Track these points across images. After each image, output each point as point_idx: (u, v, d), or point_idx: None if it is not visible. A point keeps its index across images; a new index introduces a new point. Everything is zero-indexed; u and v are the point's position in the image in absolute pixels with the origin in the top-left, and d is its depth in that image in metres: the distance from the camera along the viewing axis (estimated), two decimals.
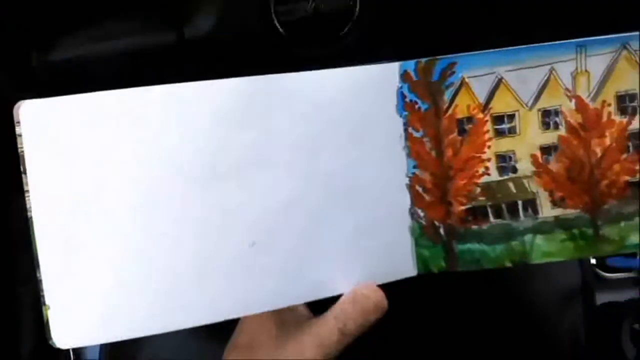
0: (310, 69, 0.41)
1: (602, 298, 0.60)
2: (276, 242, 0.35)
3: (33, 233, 0.32)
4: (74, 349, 0.65)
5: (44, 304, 0.32)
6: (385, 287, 0.37)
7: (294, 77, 0.35)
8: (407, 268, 0.37)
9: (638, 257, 0.43)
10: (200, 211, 0.33)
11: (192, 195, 0.33)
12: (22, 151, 0.32)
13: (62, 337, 0.33)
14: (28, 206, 0.32)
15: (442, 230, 0.37)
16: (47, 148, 0.32)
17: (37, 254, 0.32)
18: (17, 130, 0.32)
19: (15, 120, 0.32)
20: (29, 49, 0.39)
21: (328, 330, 0.35)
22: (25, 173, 0.32)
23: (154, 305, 0.33)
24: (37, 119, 0.32)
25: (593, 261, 0.78)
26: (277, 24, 0.38)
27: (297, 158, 0.35)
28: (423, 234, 0.37)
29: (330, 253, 0.36)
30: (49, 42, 0.40)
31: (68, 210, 0.32)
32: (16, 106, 0.32)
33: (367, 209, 0.36)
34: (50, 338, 0.33)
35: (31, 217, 0.32)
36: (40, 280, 0.32)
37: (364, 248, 0.37)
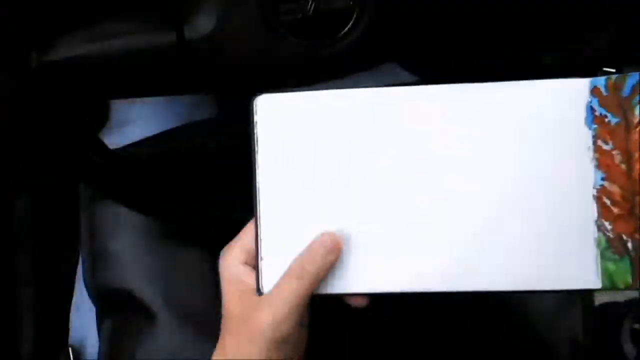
0: (311, 69, 0.41)
1: (602, 298, 0.60)
2: (463, 236, 0.38)
3: (257, 203, 0.39)
4: (73, 349, 0.65)
5: (261, 258, 0.39)
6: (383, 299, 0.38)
7: (488, 88, 0.38)
8: (590, 279, 0.37)
9: None
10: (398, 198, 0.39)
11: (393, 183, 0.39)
12: (256, 137, 0.39)
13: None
14: (256, 183, 0.39)
15: (630, 245, 0.37)
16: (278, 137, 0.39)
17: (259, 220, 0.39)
18: (255, 119, 0.39)
19: (253, 111, 0.39)
20: (29, 49, 0.39)
21: (287, 279, 0.38)
22: (256, 154, 0.39)
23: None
24: (272, 111, 0.39)
25: None
26: (278, 24, 0.38)
27: (486, 164, 0.38)
28: (609, 247, 0.37)
29: (513, 253, 0.38)
30: (49, 42, 0.40)
31: (289, 184, 0.39)
32: (255, 99, 0.39)
33: (553, 216, 0.37)
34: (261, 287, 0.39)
35: (257, 189, 0.39)
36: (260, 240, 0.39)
37: (547, 254, 0.37)
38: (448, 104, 0.38)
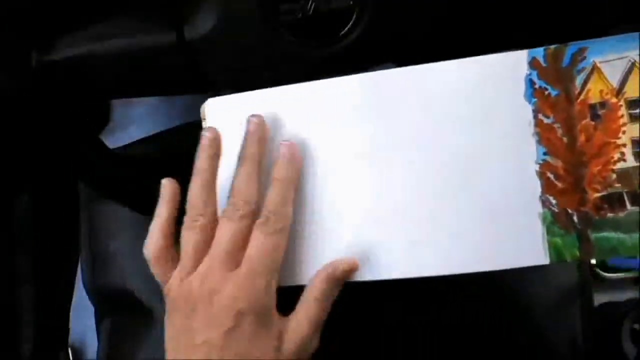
0: (311, 69, 0.41)
1: (601, 298, 0.60)
2: (407, 219, 0.38)
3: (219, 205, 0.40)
4: (73, 349, 0.65)
5: None
6: (383, 290, 0.38)
7: (421, 70, 0.37)
8: (538, 255, 0.37)
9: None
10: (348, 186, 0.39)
11: (345, 173, 0.39)
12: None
13: None
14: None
15: (575, 218, 0.36)
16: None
17: None
18: (203, 124, 0.40)
19: (203, 114, 0.40)
20: (29, 49, 0.39)
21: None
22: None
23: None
24: (221, 113, 0.40)
25: (593, 261, 0.78)
26: (278, 24, 0.38)
27: (426, 145, 0.37)
28: (555, 222, 0.37)
29: (458, 235, 0.37)
30: (49, 42, 0.40)
31: None
32: (204, 104, 0.40)
33: (496, 194, 0.37)
34: None
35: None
36: None
37: (492, 232, 0.37)
38: (389, 89, 0.38)
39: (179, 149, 0.55)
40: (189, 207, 0.39)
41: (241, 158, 0.39)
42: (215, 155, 0.40)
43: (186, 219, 0.39)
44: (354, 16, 0.39)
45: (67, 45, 0.40)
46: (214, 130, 0.40)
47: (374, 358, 0.51)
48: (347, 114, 0.39)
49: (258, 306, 0.38)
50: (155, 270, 0.40)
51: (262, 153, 0.39)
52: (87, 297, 0.60)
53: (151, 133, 0.59)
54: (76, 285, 0.68)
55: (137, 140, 0.58)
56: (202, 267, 0.38)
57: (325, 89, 0.39)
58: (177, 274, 0.39)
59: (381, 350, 0.51)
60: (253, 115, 0.39)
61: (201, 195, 0.39)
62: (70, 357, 0.65)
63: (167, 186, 0.40)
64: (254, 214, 0.38)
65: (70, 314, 0.68)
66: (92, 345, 0.66)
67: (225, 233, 0.38)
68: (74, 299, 0.68)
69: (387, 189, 0.38)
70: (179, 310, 0.38)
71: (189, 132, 0.42)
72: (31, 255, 0.73)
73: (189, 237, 0.39)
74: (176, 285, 0.39)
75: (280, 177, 0.39)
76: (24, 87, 0.40)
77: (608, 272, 0.81)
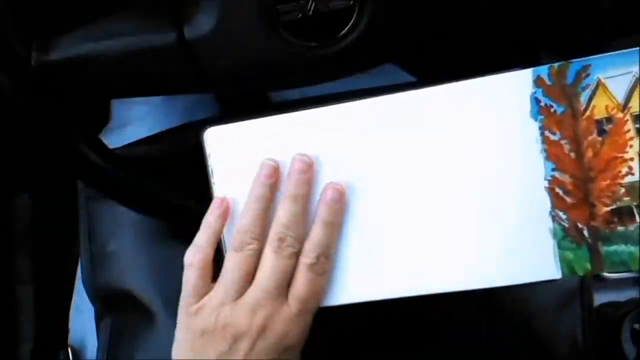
0: (311, 69, 0.41)
1: (601, 298, 0.60)
2: (422, 239, 0.39)
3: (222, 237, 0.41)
4: (73, 349, 0.65)
5: None
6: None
7: (427, 93, 0.37)
8: (550, 270, 0.37)
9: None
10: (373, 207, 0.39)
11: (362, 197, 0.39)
12: (211, 169, 0.40)
13: None
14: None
15: (585, 232, 0.37)
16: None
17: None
18: (207, 151, 0.40)
19: (205, 143, 0.40)
20: (29, 49, 0.39)
21: None
22: (213, 185, 0.41)
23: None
24: (222, 142, 0.40)
25: None
26: (278, 24, 0.38)
27: (436, 166, 0.38)
28: (566, 236, 0.37)
29: (473, 253, 0.38)
30: (49, 42, 0.40)
31: None
32: (204, 132, 0.40)
33: (507, 211, 0.38)
34: None
35: None
36: None
37: (506, 249, 0.38)
38: (400, 112, 0.38)
39: (179, 149, 0.55)
40: (242, 229, 0.39)
41: (290, 196, 0.39)
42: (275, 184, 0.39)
43: (237, 240, 0.39)
44: (354, 16, 0.39)
45: (67, 45, 0.40)
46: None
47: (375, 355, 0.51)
48: (353, 140, 0.39)
49: (300, 343, 0.39)
50: (196, 280, 0.39)
51: (310, 194, 0.39)
52: (87, 297, 0.60)
53: (151, 133, 0.59)
54: (76, 285, 0.68)
55: (137, 141, 0.58)
56: (249, 299, 0.38)
57: (328, 116, 0.39)
58: (219, 295, 0.38)
59: (382, 345, 0.51)
60: (301, 154, 0.39)
61: (260, 221, 0.39)
62: (71, 357, 0.65)
63: (222, 201, 0.40)
64: (300, 252, 0.38)
65: (70, 314, 0.68)
66: (92, 345, 0.66)
67: (274, 266, 0.38)
68: (74, 299, 0.68)
69: (403, 208, 0.39)
70: (214, 335, 0.38)
71: (189, 132, 0.42)
72: (31, 255, 0.73)
73: (239, 261, 0.38)
74: (216, 306, 0.38)
75: (329, 221, 0.38)
76: (24, 87, 0.40)
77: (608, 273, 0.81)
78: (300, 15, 0.38)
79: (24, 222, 0.73)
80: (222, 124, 0.40)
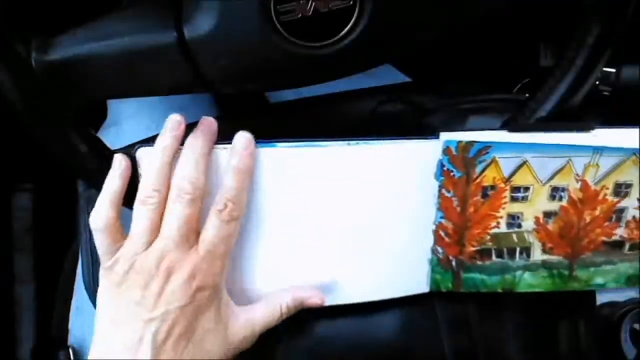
0: (311, 69, 0.41)
1: (602, 298, 0.60)
2: (336, 254, 0.46)
3: None
4: (73, 349, 0.65)
5: None
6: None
7: (356, 150, 0.43)
8: (422, 286, 0.49)
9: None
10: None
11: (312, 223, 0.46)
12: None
13: None
14: None
15: (453, 262, 0.48)
16: None
17: None
18: (139, 171, 0.42)
19: (137, 163, 0.42)
20: (29, 49, 0.39)
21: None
22: None
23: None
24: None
25: None
26: (277, 24, 0.38)
27: (355, 207, 0.45)
28: (439, 264, 0.48)
29: (369, 274, 0.47)
30: (49, 42, 0.40)
31: None
32: (135, 151, 0.42)
33: (400, 243, 0.47)
34: None
35: None
36: None
37: (392, 272, 0.48)
38: (336, 163, 0.44)
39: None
40: (145, 183, 0.41)
41: (189, 147, 0.41)
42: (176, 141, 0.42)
43: (141, 194, 0.41)
44: (354, 16, 0.39)
45: (67, 45, 0.40)
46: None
47: None
48: (288, 181, 0.44)
49: (213, 286, 0.41)
50: (104, 240, 0.41)
51: (210, 148, 0.42)
52: (87, 297, 0.60)
53: (148, 130, 0.59)
54: (76, 285, 0.68)
55: (137, 141, 0.58)
56: (157, 245, 0.40)
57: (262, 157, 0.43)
58: (129, 247, 0.40)
59: None
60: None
61: (163, 173, 0.41)
62: (71, 357, 0.65)
63: (121, 160, 0.42)
64: (202, 199, 0.40)
65: (70, 314, 0.68)
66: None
67: (175, 215, 0.40)
68: (73, 299, 0.68)
69: (321, 234, 0.45)
70: (128, 285, 0.40)
71: (188, 132, 0.42)
72: (31, 254, 0.73)
73: (144, 213, 0.40)
74: (128, 258, 0.40)
75: (238, 167, 0.41)
76: (24, 87, 0.40)
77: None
78: (300, 15, 0.38)
79: (23, 221, 0.73)
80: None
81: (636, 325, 0.59)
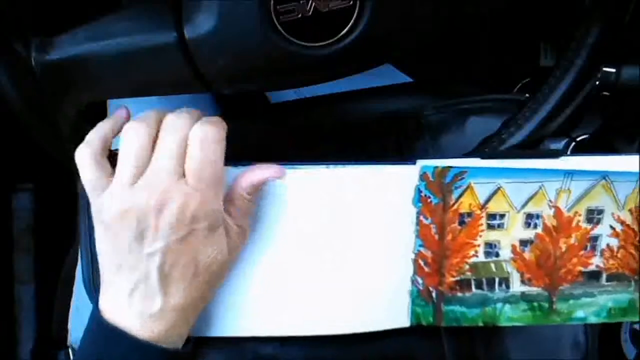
0: (310, 69, 0.41)
1: None
2: (313, 283, 0.46)
3: None
4: (73, 349, 0.65)
5: None
6: None
7: (344, 172, 0.43)
8: (403, 320, 0.47)
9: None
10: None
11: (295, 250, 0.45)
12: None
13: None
14: None
15: (434, 294, 0.47)
16: None
17: None
18: None
19: None
20: (29, 49, 0.39)
21: None
22: None
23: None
24: None
25: None
26: (277, 24, 0.38)
27: (333, 233, 0.45)
28: (419, 296, 0.47)
29: (348, 298, 0.46)
30: (49, 42, 0.40)
31: None
32: None
33: (379, 274, 0.46)
34: None
35: None
36: None
37: (374, 303, 0.46)
38: (308, 186, 0.44)
39: None
40: (131, 124, 0.40)
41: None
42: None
43: (130, 123, 0.40)
44: (354, 16, 0.39)
45: (67, 45, 0.40)
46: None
47: None
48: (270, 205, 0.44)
49: (210, 213, 0.40)
50: (91, 175, 0.39)
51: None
52: (87, 297, 0.60)
53: None
54: (76, 285, 0.68)
55: None
56: (144, 180, 0.39)
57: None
58: (117, 183, 0.39)
59: None
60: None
61: (154, 112, 0.40)
62: (71, 357, 0.65)
63: (123, 110, 0.43)
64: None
65: (70, 314, 0.68)
66: None
67: (163, 146, 0.39)
68: (73, 299, 0.68)
69: (300, 262, 0.45)
70: (122, 222, 0.38)
71: None
72: (31, 254, 0.73)
73: (132, 138, 0.39)
74: (116, 195, 0.39)
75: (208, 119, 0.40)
76: (24, 87, 0.40)
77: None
78: (300, 15, 0.38)
79: (24, 221, 0.73)
80: None
81: (636, 326, 0.59)
